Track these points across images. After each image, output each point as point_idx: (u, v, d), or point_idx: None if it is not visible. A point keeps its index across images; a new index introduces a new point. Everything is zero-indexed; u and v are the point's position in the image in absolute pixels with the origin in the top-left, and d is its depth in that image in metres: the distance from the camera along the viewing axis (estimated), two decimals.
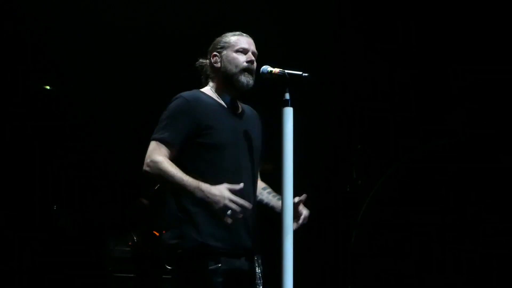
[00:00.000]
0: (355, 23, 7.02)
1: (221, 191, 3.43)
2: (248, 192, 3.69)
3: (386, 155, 7.10)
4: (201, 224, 3.56)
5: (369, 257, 6.85)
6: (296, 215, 3.64)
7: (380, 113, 7.11)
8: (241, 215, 3.45)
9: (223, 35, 3.86)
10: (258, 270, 3.74)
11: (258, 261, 3.75)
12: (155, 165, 3.53)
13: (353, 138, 7.10)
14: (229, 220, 3.44)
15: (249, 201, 3.59)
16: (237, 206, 3.42)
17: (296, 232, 3.37)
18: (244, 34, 3.85)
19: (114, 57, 6.80)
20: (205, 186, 3.45)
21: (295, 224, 3.63)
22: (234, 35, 3.83)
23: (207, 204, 3.45)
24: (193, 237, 3.55)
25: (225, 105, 3.78)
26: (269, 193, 3.89)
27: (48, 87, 6.80)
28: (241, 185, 3.47)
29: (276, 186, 3.60)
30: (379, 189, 6.93)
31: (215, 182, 3.51)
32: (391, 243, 6.95)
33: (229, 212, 3.41)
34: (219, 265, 3.54)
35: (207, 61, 3.85)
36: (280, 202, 3.44)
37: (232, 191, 3.43)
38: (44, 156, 7.00)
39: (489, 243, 6.64)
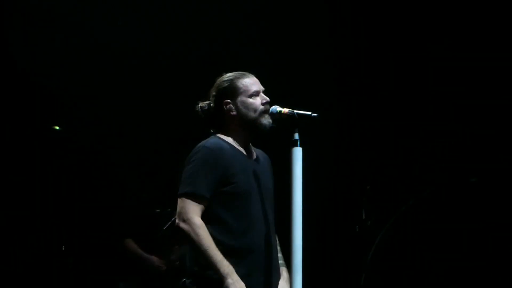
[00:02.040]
0: (363, 58, 7.04)
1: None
2: (269, 236, 3.69)
3: (396, 196, 7.08)
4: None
5: None
6: None
7: (390, 154, 7.11)
8: None
9: (225, 77, 3.80)
10: None
11: None
12: (192, 227, 3.50)
13: (363, 179, 7.09)
14: None
15: (268, 248, 3.64)
16: None
17: (304, 272, 3.35)
18: (249, 74, 3.81)
19: (121, 89, 6.82)
20: (235, 277, 3.46)
21: None
22: (240, 78, 3.78)
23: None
24: (213, 282, 3.50)
25: (244, 151, 3.76)
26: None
27: (57, 128, 6.82)
28: None
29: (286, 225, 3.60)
30: (388, 230, 6.90)
31: (241, 229, 3.55)
32: (401, 285, 6.90)
33: None
34: None
35: (208, 102, 3.80)
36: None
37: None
38: (56, 197, 6.99)
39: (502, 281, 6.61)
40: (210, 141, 3.70)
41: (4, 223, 6.71)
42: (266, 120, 3.71)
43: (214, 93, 3.80)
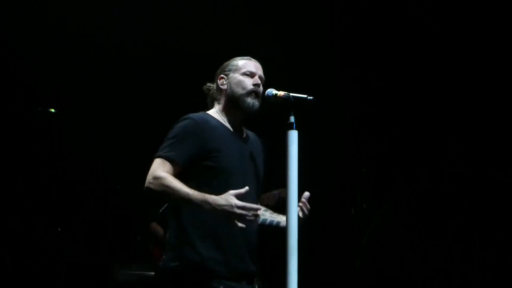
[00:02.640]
0: (361, 43, 7.04)
1: (228, 200, 3.40)
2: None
3: (392, 179, 7.10)
4: (201, 246, 3.55)
5: (374, 282, 6.83)
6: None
7: (386, 137, 7.12)
8: (252, 218, 3.42)
9: (232, 59, 3.89)
10: None
11: (258, 285, 3.75)
12: (158, 181, 3.50)
13: (358, 162, 7.10)
14: (241, 225, 3.40)
15: (252, 225, 3.60)
16: (246, 211, 3.40)
17: (300, 255, 3.36)
18: (253, 59, 3.88)
19: (121, 78, 6.82)
20: (211, 198, 3.43)
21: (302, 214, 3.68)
22: (243, 59, 3.86)
23: (217, 215, 3.43)
24: (193, 260, 3.54)
25: (231, 129, 3.79)
26: (271, 213, 3.88)
27: (53, 110, 6.82)
28: (246, 188, 3.45)
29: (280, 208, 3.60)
30: (384, 213, 6.92)
31: None
32: (396, 267, 6.93)
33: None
34: (220, 287, 3.53)
35: (214, 85, 3.87)
36: (283, 217, 3.49)
37: (238, 196, 3.42)
38: (51, 181, 7.01)
39: (494, 270, 6.63)
40: (197, 114, 3.75)
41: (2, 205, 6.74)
42: (251, 100, 3.74)
43: (216, 72, 3.89)
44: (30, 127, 6.94)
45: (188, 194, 3.46)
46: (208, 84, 3.92)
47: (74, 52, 6.70)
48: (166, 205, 5.90)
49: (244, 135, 3.87)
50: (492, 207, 6.71)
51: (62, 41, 6.64)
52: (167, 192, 3.50)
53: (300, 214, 3.64)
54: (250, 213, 3.39)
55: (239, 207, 3.38)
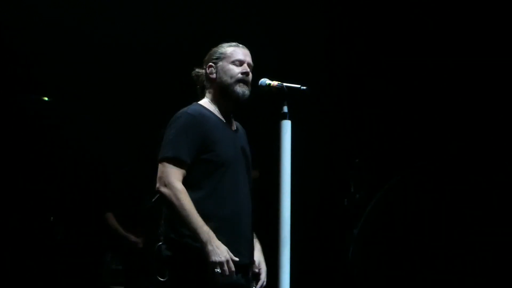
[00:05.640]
0: (354, 34, 7.02)
1: (226, 256, 3.44)
2: (246, 207, 3.71)
3: (385, 169, 7.10)
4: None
5: (366, 272, 6.83)
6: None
7: (379, 127, 7.11)
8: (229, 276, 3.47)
9: (219, 45, 3.86)
10: (253, 286, 3.74)
11: (252, 277, 3.75)
12: (173, 192, 3.50)
13: (352, 152, 7.09)
14: (219, 278, 3.45)
15: (248, 216, 3.65)
16: (229, 271, 3.44)
17: (292, 245, 3.35)
18: (241, 45, 3.85)
19: (111, 70, 6.79)
20: (215, 241, 3.45)
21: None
22: (231, 46, 3.83)
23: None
24: (192, 250, 3.53)
25: (224, 120, 3.78)
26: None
27: (46, 98, 6.80)
28: (236, 259, 3.50)
29: (266, 193, 3.60)
30: (377, 203, 6.92)
31: (220, 198, 3.56)
32: (388, 257, 6.93)
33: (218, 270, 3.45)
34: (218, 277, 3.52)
35: (203, 71, 3.84)
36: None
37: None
38: (42, 168, 6.99)
39: (486, 257, 6.64)
40: (191, 107, 3.72)
41: None
42: (241, 88, 3.73)
43: (205, 59, 3.86)
44: (22, 115, 6.91)
45: (197, 224, 3.46)
46: (196, 70, 3.88)
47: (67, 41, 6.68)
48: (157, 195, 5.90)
49: (235, 127, 3.87)
50: (482, 196, 6.72)
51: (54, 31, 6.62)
52: (177, 208, 3.50)
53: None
54: (227, 273, 3.44)
55: (228, 267, 3.45)
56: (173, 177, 3.51)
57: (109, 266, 6.47)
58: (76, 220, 7.02)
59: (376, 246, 6.94)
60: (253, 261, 3.76)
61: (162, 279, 3.61)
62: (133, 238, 6.27)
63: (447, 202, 6.83)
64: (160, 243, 3.65)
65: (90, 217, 6.91)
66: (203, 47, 3.92)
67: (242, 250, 3.65)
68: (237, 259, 3.49)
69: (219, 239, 3.51)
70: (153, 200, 6.03)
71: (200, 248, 3.48)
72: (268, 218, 3.81)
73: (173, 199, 3.49)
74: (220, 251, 3.44)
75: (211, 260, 3.43)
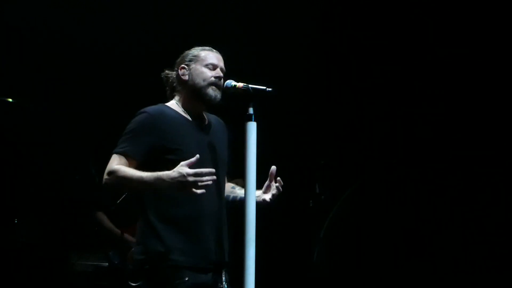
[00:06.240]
0: (320, 34, 7.04)
1: (180, 171, 3.39)
2: (216, 205, 3.70)
3: (350, 171, 7.13)
4: (168, 238, 3.56)
5: (331, 274, 6.86)
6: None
7: (344, 128, 7.14)
8: (210, 182, 3.41)
9: (193, 48, 3.87)
10: (225, 285, 3.73)
11: (225, 277, 3.74)
12: (112, 175, 3.52)
13: (317, 153, 7.12)
14: (199, 191, 3.39)
15: (217, 215, 3.65)
16: (201, 177, 3.39)
17: (258, 246, 3.36)
18: (214, 50, 3.87)
19: (81, 74, 6.75)
20: (165, 174, 3.43)
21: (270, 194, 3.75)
22: (204, 49, 3.85)
23: (174, 189, 3.43)
24: (159, 252, 3.54)
25: (191, 119, 3.79)
26: (240, 189, 3.89)
27: (10, 100, 6.74)
28: (197, 156, 3.44)
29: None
30: (341, 205, 6.95)
31: (174, 198, 3.55)
32: (352, 259, 6.96)
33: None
34: (185, 279, 3.53)
35: (174, 73, 3.85)
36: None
37: (190, 165, 3.41)
38: (5, 170, 6.93)
39: (451, 257, 6.72)
40: (153, 107, 3.75)
41: None
42: (213, 92, 3.75)
43: (178, 60, 3.88)
44: None
45: (141, 177, 3.47)
46: (166, 71, 3.89)
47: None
48: (124, 195, 5.88)
49: (206, 123, 3.86)
50: (450, 194, 6.80)
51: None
52: (122, 183, 3.53)
53: (275, 192, 3.74)
54: (204, 178, 3.39)
55: (191, 175, 3.37)
56: (112, 165, 3.55)
57: (75, 268, 6.44)
58: (41, 220, 6.96)
59: (341, 247, 6.97)
60: (224, 262, 3.75)
61: (133, 284, 3.62)
62: (127, 236, 6.18)
63: (412, 202, 6.88)
64: (133, 248, 3.67)
65: (55, 218, 6.86)
66: (173, 50, 3.93)
67: (215, 248, 3.65)
68: (195, 158, 3.42)
69: (189, 238, 3.54)
70: (119, 200, 6.03)
71: (170, 248, 3.51)
72: (235, 219, 3.81)
73: (114, 180, 3.52)
74: (172, 176, 3.40)
75: (172, 182, 3.40)
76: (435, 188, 6.84)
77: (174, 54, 3.93)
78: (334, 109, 7.16)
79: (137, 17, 6.67)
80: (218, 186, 3.70)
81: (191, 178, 3.37)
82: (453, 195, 6.79)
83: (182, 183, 3.38)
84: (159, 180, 3.43)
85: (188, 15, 6.72)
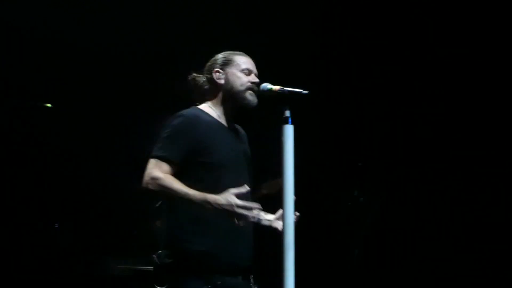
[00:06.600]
0: (357, 37, 7.02)
1: (228, 200, 3.40)
2: None
3: (388, 173, 7.09)
4: (197, 243, 3.56)
5: (371, 276, 6.83)
6: None
7: (383, 130, 7.11)
8: (253, 218, 3.44)
9: (224, 52, 3.89)
10: None
11: (253, 280, 3.74)
12: (155, 181, 3.51)
13: (355, 155, 7.09)
14: (242, 224, 3.43)
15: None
16: (247, 210, 3.41)
17: (296, 250, 3.35)
18: (247, 55, 3.89)
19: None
20: (212, 198, 3.43)
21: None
22: (238, 54, 3.87)
23: (217, 215, 3.43)
24: (189, 256, 3.55)
25: (225, 123, 3.80)
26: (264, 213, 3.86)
27: (49, 105, 6.79)
28: (247, 188, 3.46)
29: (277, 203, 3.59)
30: (381, 206, 6.92)
31: None
32: (394, 261, 6.93)
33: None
34: (218, 283, 3.53)
35: (204, 76, 3.85)
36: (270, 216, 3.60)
37: (238, 196, 3.41)
38: (46, 175, 6.99)
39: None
40: (188, 110, 3.76)
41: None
42: (251, 96, 3.77)
43: (208, 64, 3.88)
44: (25, 121, 6.91)
45: (187, 194, 3.47)
46: (194, 74, 3.89)
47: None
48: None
49: (235, 130, 3.89)
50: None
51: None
52: (165, 192, 3.52)
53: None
54: (251, 214, 3.42)
55: (240, 207, 3.39)
56: (155, 171, 3.54)
57: (111, 272, 6.47)
58: (79, 226, 7.01)
59: (381, 249, 6.94)
60: (251, 266, 3.74)
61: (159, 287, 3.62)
62: None
63: (452, 203, 6.83)
64: (160, 251, 3.66)
65: (93, 223, 6.91)
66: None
67: (242, 253, 3.67)
68: (244, 189, 3.45)
69: (218, 243, 3.55)
70: (157, 205, 6.05)
71: (200, 251, 3.50)
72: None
73: (157, 187, 3.51)
74: (220, 202, 3.41)
75: (219, 209, 3.41)
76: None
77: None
78: (372, 110, 7.12)
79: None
80: (246, 193, 3.69)
81: (238, 210, 3.40)
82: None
83: (228, 212, 3.40)
84: (205, 202, 3.44)
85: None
